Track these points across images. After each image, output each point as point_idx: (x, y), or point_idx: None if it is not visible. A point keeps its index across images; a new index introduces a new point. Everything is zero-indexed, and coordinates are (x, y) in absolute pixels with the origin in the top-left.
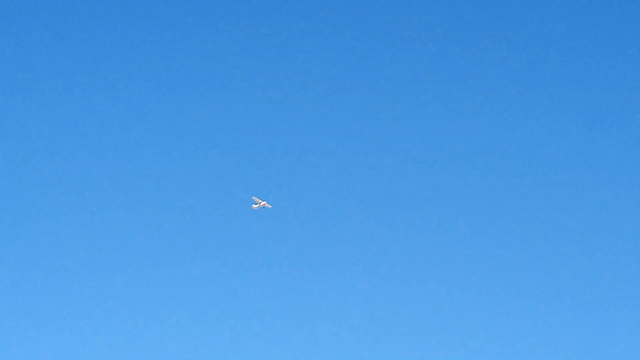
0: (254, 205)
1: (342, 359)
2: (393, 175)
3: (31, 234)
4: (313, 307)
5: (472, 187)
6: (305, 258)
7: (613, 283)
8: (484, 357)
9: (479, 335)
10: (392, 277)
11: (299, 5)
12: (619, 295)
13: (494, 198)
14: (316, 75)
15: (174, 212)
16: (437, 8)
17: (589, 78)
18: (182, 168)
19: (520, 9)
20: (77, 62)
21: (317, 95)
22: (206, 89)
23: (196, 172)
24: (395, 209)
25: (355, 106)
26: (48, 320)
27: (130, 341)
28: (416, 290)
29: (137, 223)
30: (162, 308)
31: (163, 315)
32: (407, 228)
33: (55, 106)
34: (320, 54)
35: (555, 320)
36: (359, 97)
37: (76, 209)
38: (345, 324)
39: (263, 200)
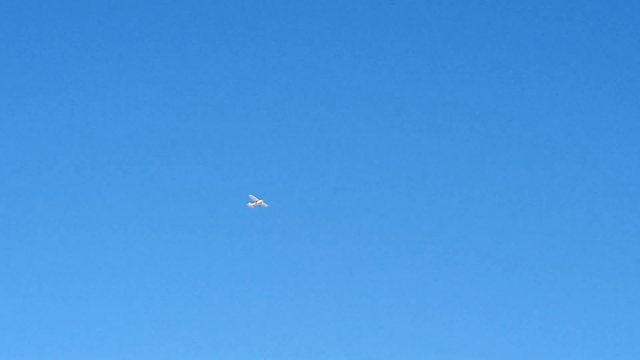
0: (250, 204)
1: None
2: (391, 173)
3: (31, 234)
4: (311, 307)
5: (473, 188)
6: (302, 257)
7: (613, 283)
8: (484, 357)
9: (480, 335)
10: (391, 276)
11: (299, 5)
12: (619, 295)
13: (494, 198)
14: (314, 73)
15: (170, 211)
16: (438, 8)
17: (589, 78)
18: (179, 166)
19: (520, 8)
20: (77, 62)
21: (315, 95)
22: (204, 88)
23: (193, 170)
24: (394, 208)
25: (353, 105)
26: (48, 320)
27: (129, 341)
28: (415, 290)
29: (133, 221)
30: (158, 306)
31: (159, 315)
32: (405, 226)
33: (55, 106)
34: (317, 52)
35: (556, 320)
36: (356, 96)
37: (72, 210)
38: (344, 324)
39: (260, 199)
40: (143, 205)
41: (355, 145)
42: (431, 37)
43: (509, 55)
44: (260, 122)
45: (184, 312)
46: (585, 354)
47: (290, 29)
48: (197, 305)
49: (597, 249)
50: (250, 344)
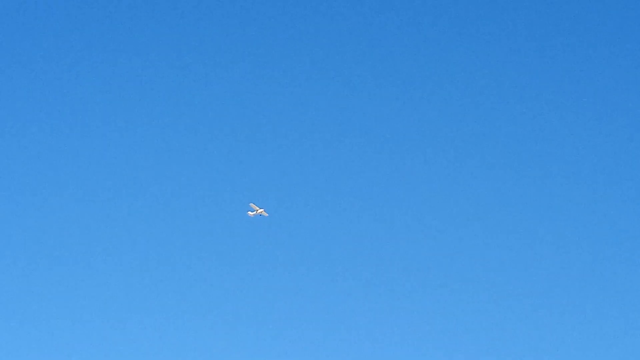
0: (250, 213)
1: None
2: (392, 179)
3: (32, 234)
4: (310, 312)
5: (474, 188)
6: (301, 265)
7: (613, 284)
8: (484, 357)
9: (480, 335)
10: (390, 282)
11: (299, 5)
12: (619, 296)
13: (495, 198)
14: (316, 76)
15: (171, 215)
16: (437, 8)
17: (589, 78)
18: (180, 171)
19: (520, 9)
20: (77, 62)
21: (319, 100)
22: (206, 92)
23: (193, 175)
24: (394, 213)
25: (356, 109)
26: (48, 320)
27: (128, 343)
28: (415, 295)
29: (134, 227)
30: (158, 311)
31: (159, 318)
32: (406, 231)
33: (55, 106)
34: (319, 56)
35: (555, 321)
36: (360, 100)
37: (71, 211)
38: (342, 329)
39: (261, 208)
40: (143, 211)
41: (356, 150)
42: (431, 37)
43: (509, 54)
44: (262, 129)
45: (182, 318)
46: (585, 354)
47: (297, 30)
48: (195, 311)
49: (597, 248)
50: (250, 347)
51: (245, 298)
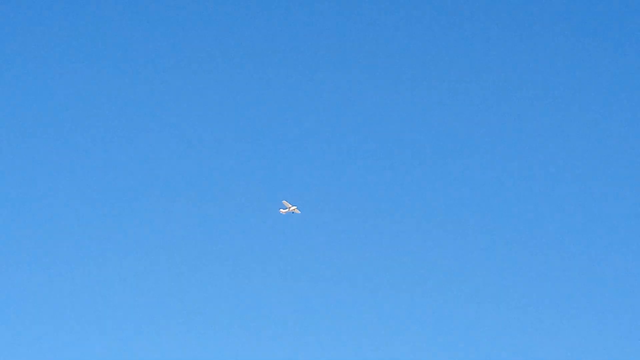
0: (282, 210)
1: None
2: (413, 181)
3: (32, 234)
4: (330, 311)
5: (474, 188)
6: (326, 264)
7: (613, 284)
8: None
9: (480, 336)
10: (409, 280)
11: (299, 5)
12: (619, 296)
13: (497, 198)
14: (337, 79)
15: (198, 214)
16: (437, 8)
17: (589, 78)
18: (208, 169)
19: (520, 9)
20: (77, 62)
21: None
22: (229, 95)
23: (222, 174)
24: (411, 213)
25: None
26: (48, 320)
27: (136, 342)
28: (430, 295)
29: (158, 225)
30: (180, 311)
31: (179, 317)
32: (423, 231)
33: (55, 106)
34: (341, 59)
35: (555, 320)
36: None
37: (100, 209)
38: (360, 327)
39: (293, 205)
40: (169, 207)
41: (384, 154)
42: (431, 37)
43: (508, 55)
44: (295, 130)
45: (198, 314)
46: (585, 354)
47: (312, 28)
48: (209, 307)
49: (597, 248)
50: (259, 345)
51: (259, 294)
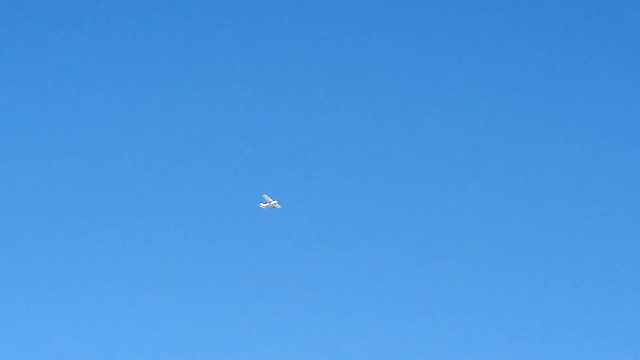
0: (262, 204)
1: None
2: (401, 175)
3: (33, 234)
4: (319, 308)
5: (477, 189)
6: (311, 260)
7: (613, 284)
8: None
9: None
10: (399, 276)
11: (299, 5)
12: (619, 297)
13: (496, 199)
14: (328, 74)
15: (179, 211)
16: (437, 8)
17: (589, 78)
18: (189, 166)
19: (520, 9)
20: (77, 62)
21: (332, 97)
22: (217, 87)
23: (203, 170)
24: (403, 209)
25: (369, 106)
26: (48, 320)
27: (132, 342)
28: (421, 291)
29: (142, 222)
30: (167, 307)
31: (168, 314)
32: (416, 228)
33: (55, 106)
34: (333, 52)
35: (555, 320)
36: (376, 97)
37: (82, 211)
38: (350, 324)
39: (274, 200)
40: (151, 206)
41: (364, 145)
42: (431, 37)
43: (508, 55)
44: (278, 124)
45: (190, 311)
46: (585, 354)
47: (310, 25)
48: (203, 306)
49: (597, 248)
50: (255, 346)
51: (251, 294)
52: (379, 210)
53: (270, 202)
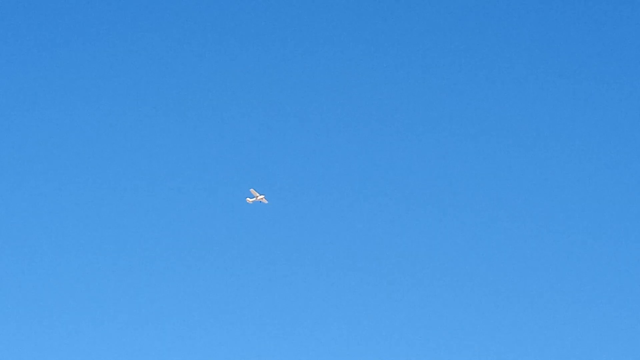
0: (248, 199)
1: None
2: (394, 172)
3: (32, 234)
4: (310, 307)
5: (475, 191)
6: (301, 257)
7: (613, 284)
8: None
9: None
10: (391, 276)
11: (299, 5)
12: (619, 298)
13: (496, 199)
14: (316, 71)
15: (169, 209)
16: (437, 8)
17: (589, 78)
18: (180, 163)
19: (520, 9)
20: (77, 62)
21: (318, 92)
22: (204, 82)
23: (191, 165)
24: (395, 207)
25: (354, 102)
26: (48, 320)
27: (129, 341)
28: (415, 289)
29: (132, 219)
30: (156, 306)
31: (157, 314)
32: (406, 225)
33: (55, 106)
34: (318, 50)
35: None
36: (358, 92)
37: (68, 208)
38: (342, 324)
39: (261, 195)
40: (140, 201)
41: (357, 144)
42: (430, 36)
43: (508, 55)
44: (261, 118)
45: (180, 309)
46: (585, 354)
47: (290, 26)
48: (193, 303)
49: (597, 248)
50: (248, 344)
51: (242, 292)
52: (369, 207)
53: (257, 196)
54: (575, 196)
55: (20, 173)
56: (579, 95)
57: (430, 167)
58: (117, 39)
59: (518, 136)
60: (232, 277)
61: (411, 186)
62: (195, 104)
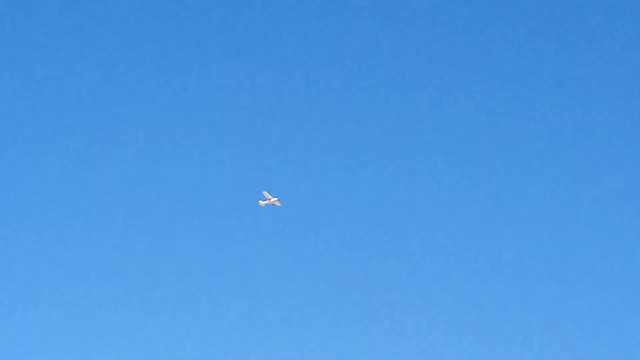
0: (261, 202)
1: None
2: (400, 174)
3: (32, 233)
4: (319, 308)
5: (474, 189)
6: (311, 258)
7: (613, 284)
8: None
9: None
10: (399, 278)
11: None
12: (619, 296)
13: (495, 199)
14: (327, 73)
15: (178, 208)
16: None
17: (589, 78)
18: (189, 163)
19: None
20: (77, 62)
21: (330, 97)
22: (218, 84)
23: (201, 167)
24: (403, 210)
25: (367, 106)
26: (48, 320)
27: (131, 342)
28: (420, 292)
29: (142, 220)
30: (166, 306)
31: (167, 313)
32: (413, 228)
33: (55, 106)
34: (333, 52)
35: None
36: (372, 97)
37: (76, 210)
38: (348, 324)
39: (274, 197)
40: (150, 203)
41: (364, 143)
42: (430, 36)
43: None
44: (277, 124)
45: (189, 310)
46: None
47: (297, 25)
48: (202, 304)
49: (596, 248)
50: (254, 344)
51: (250, 292)
52: (379, 209)
53: (270, 199)
54: (574, 195)
55: (20, 173)
56: (578, 93)
57: (433, 168)
58: (117, 39)
59: (517, 137)
60: (242, 280)
61: (421, 194)
62: (208, 106)
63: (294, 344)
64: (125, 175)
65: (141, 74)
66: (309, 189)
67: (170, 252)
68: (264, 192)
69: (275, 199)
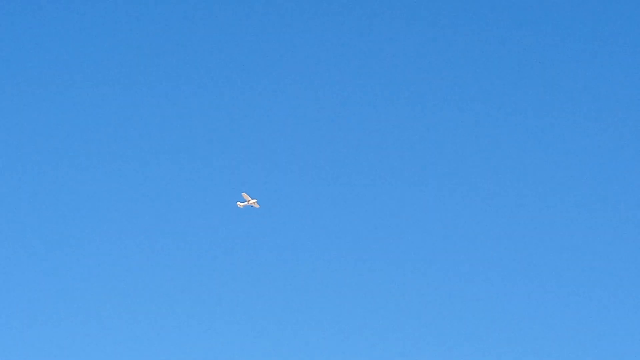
0: (239, 204)
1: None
2: (387, 171)
3: (33, 234)
4: (303, 308)
5: (473, 189)
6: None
7: (613, 284)
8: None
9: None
10: (386, 278)
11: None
12: (619, 295)
13: (495, 200)
14: (314, 73)
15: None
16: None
17: (589, 78)
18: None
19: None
20: (77, 62)
21: (315, 96)
22: (204, 87)
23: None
24: (390, 210)
25: (350, 105)
26: (47, 320)
27: (124, 341)
28: (409, 292)
29: (129, 222)
30: (153, 307)
31: (153, 315)
32: (401, 228)
33: (54, 106)
34: (318, 51)
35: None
36: (354, 95)
37: (63, 206)
38: (335, 324)
39: (253, 199)
40: (134, 203)
41: (350, 143)
42: (430, 35)
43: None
44: (261, 124)
45: (175, 310)
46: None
47: (288, 26)
48: (188, 304)
49: (597, 247)
50: (243, 344)
51: (235, 294)
52: (360, 211)
53: (249, 201)
54: (574, 196)
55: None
56: (577, 94)
57: (423, 168)
58: (117, 39)
59: (517, 136)
60: (224, 280)
61: (421, 194)
62: (191, 105)
63: (294, 343)
64: (124, 175)
65: (138, 74)
66: (309, 188)
67: (168, 252)
68: (243, 193)
69: (255, 200)
